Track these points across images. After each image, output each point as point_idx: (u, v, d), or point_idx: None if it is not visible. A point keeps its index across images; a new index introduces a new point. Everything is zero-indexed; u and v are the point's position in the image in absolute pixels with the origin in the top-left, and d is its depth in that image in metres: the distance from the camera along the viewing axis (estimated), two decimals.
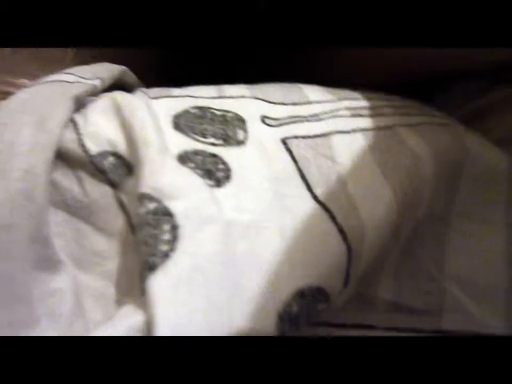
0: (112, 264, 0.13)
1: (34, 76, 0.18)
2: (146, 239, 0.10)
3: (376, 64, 0.21)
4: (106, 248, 0.13)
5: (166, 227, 0.11)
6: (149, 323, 0.09)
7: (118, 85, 0.19)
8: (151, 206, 0.11)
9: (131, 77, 0.21)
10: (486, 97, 0.21)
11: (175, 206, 0.11)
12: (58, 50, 0.20)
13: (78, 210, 0.13)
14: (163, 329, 0.09)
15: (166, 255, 0.10)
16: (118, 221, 0.13)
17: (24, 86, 0.18)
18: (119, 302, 0.12)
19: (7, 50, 0.18)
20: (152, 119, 0.13)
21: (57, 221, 0.13)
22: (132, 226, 0.13)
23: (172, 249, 0.10)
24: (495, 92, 0.20)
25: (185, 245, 0.10)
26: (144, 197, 0.11)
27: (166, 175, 0.12)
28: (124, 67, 0.20)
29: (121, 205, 0.13)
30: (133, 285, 0.12)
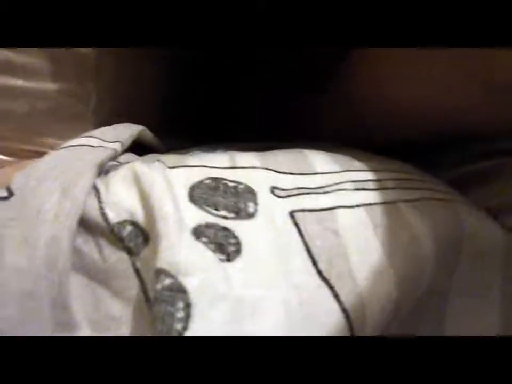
0: (126, 328, 0.14)
1: (58, 134, 0.20)
2: (163, 316, 0.11)
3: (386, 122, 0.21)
4: (121, 313, 0.14)
5: (180, 305, 0.11)
6: None
7: (136, 142, 0.20)
8: (167, 281, 0.12)
9: (148, 136, 0.22)
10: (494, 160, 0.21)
11: (189, 283, 0.12)
12: (80, 107, 0.21)
13: (96, 275, 0.14)
14: None
15: (179, 334, 0.11)
16: (133, 287, 0.14)
17: (48, 145, 0.20)
18: None
19: (30, 108, 0.18)
20: (169, 191, 0.14)
21: (76, 284, 0.14)
22: (146, 293, 0.14)
23: (185, 328, 0.11)
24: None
25: (197, 324, 0.11)
26: (160, 272, 0.12)
27: (181, 252, 0.12)
28: (142, 127, 0.21)
29: (137, 272, 0.14)
30: None
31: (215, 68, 0.33)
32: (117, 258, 0.14)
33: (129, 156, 0.19)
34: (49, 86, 0.18)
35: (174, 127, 0.26)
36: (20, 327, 0.13)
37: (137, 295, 0.14)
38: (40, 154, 0.19)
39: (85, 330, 0.14)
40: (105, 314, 0.14)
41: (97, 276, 0.14)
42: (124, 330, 0.14)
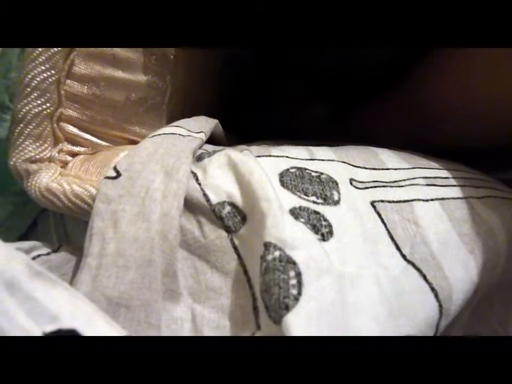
0: (226, 299, 0.15)
1: (142, 124, 0.21)
2: (279, 282, 0.12)
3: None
4: (221, 285, 0.15)
5: (292, 273, 0.13)
6: None
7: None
8: (277, 253, 0.13)
9: (220, 129, 0.23)
10: None
11: (297, 255, 0.13)
12: (158, 99, 0.23)
13: (196, 249, 0.15)
14: None
15: (296, 298, 0.12)
16: (231, 261, 0.15)
17: (135, 133, 0.21)
18: (234, 333, 0.14)
19: (125, 98, 0.20)
20: (266, 177, 0.16)
21: (178, 258, 0.15)
22: (244, 267, 0.15)
23: (299, 293, 0.12)
24: None
25: (310, 291, 0.12)
26: (269, 245, 0.13)
27: (286, 228, 0.14)
28: (216, 120, 0.23)
29: (235, 247, 0.15)
30: (247, 319, 0.14)
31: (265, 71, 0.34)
32: (216, 235, 0.15)
33: (208, 146, 0.21)
34: (141, 78, 0.20)
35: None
36: (137, 292, 0.14)
37: (235, 268, 0.15)
38: (129, 141, 0.21)
39: (186, 300, 0.15)
40: (205, 285, 0.15)
41: (198, 250, 0.16)
42: (224, 300, 0.15)
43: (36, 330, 0.11)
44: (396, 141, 0.22)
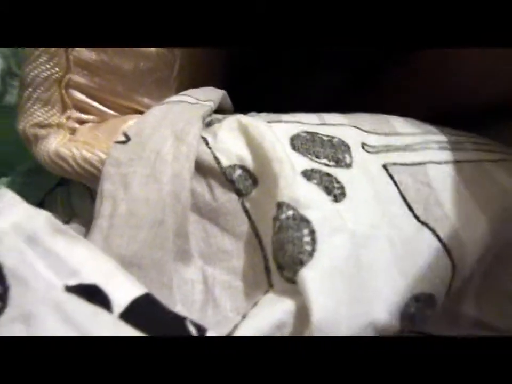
0: (237, 261, 0.15)
1: (149, 94, 0.21)
2: (293, 239, 0.12)
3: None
4: (232, 247, 0.15)
5: (306, 231, 0.13)
6: (303, 308, 0.11)
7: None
8: (290, 212, 0.13)
9: (227, 101, 0.23)
10: None
11: (310, 214, 0.13)
12: (166, 72, 0.22)
13: (207, 212, 0.15)
14: (318, 313, 0.11)
15: (310, 254, 0.12)
16: (242, 224, 0.15)
17: (142, 103, 0.21)
18: (246, 294, 0.14)
19: (134, 67, 0.19)
20: (277, 140, 0.16)
21: (189, 221, 0.15)
22: (255, 229, 0.15)
23: (313, 249, 0.12)
24: None
25: (324, 248, 0.12)
26: (282, 205, 0.13)
27: (299, 188, 0.14)
28: (224, 91, 0.22)
29: (245, 210, 0.15)
30: (259, 279, 0.14)
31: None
32: (226, 198, 0.15)
33: (217, 115, 0.20)
34: (151, 48, 0.19)
35: None
36: (149, 251, 0.14)
37: (246, 231, 0.15)
38: (136, 112, 0.20)
39: (197, 262, 0.15)
40: (216, 248, 0.15)
41: (208, 214, 0.15)
42: (235, 262, 0.15)
43: (57, 282, 0.11)
44: (411, 111, 0.22)
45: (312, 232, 0.13)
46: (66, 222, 0.19)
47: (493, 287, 0.16)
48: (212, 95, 0.20)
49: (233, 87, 0.28)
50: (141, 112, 0.20)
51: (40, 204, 0.23)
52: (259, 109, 0.26)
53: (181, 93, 0.20)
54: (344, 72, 0.27)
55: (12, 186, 0.23)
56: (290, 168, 0.14)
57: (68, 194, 0.21)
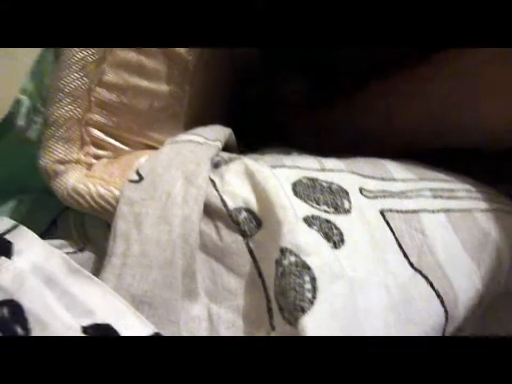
0: (241, 300, 0.16)
1: (161, 131, 0.22)
2: (295, 286, 0.13)
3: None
4: (237, 286, 0.16)
5: (307, 278, 0.14)
6: None
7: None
8: (292, 259, 0.14)
9: (232, 138, 0.24)
10: None
11: (311, 261, 0.14)
12: (177, 108, 0.24)
13: (214, 252, 0.16)
14: None
15: (311, 302, 0.13)
16: (246, 264, 0.16)
17: (154, 139, 0.22)
18: (249, 333, 0.15)
19: (148, 106, 0.20)
20: (281, 186, 0.17)
21: (197, 260, 0.16)
22: (259, 269, 0.16)
23: (314, 297, 0.13)
24: None
25: (324, 296, 0.13)
26: (285, 251, 0.14)
27: (301, 235, 0.15)
28: (230, 130, 0.24)
29: (250, 251, 0.16)
30: (261, 319, 0.15)
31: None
32: (232, 239, 0.16)
33: (223, 153, 0.22)
34: (164, 87, 0.20)
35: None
36: (159, 290, 0.15)
37: (250, 270, 0.16)
38: (148, 147, 0.22)
39: (204, 300, 0.16)
40: (222, 287, 0.16)
41: (215, 253, 0.16)
42: (239, 301, 0.16)
43: (73, 323, 0.12)
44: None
45: (313, 279, 0.14)
46: (81, 249, 0.20)
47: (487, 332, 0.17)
48: (219, 134, 0.21)
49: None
50: (151, 147, 0.21)
51: (54, 222, 0.24)
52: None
53: (190, 131, 0.21)
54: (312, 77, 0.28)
55: (27, 203, 0.24)
56: (293, 214, 0.15)
57: (82, 216, 0.22)
